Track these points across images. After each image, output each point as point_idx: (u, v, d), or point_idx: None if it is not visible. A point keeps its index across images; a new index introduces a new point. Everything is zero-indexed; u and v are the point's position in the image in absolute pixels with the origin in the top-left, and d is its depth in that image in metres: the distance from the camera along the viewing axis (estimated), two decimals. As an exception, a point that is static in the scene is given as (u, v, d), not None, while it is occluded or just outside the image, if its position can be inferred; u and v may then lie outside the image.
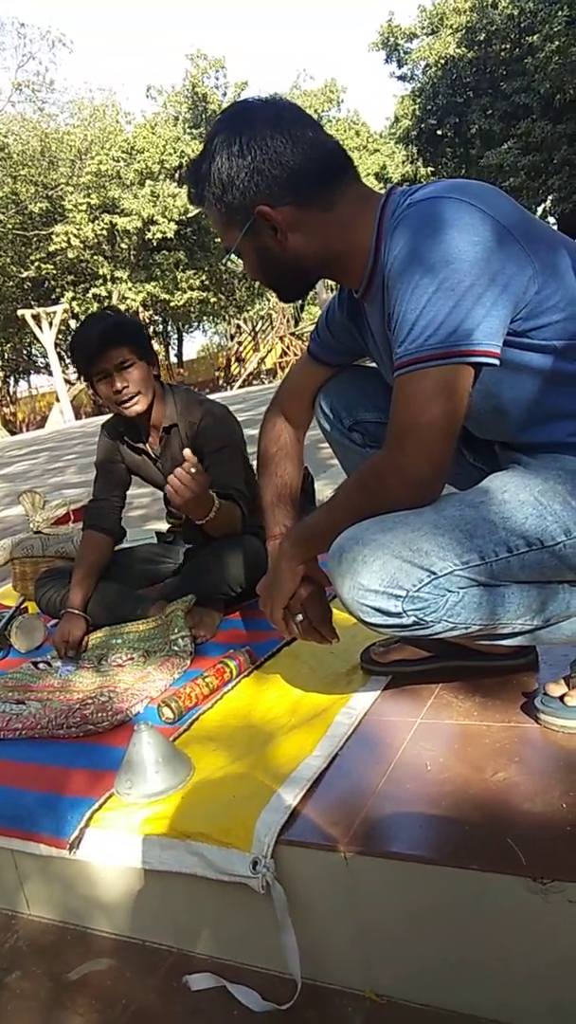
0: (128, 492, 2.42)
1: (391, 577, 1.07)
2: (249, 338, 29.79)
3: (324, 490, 3.42)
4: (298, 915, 1.11)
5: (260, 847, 1.12)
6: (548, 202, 22.63)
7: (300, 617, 1.39)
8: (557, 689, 1.25)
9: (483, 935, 0.99)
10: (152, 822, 1.25)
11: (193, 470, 1.81)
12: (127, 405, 2.08)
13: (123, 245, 25.06)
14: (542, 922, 0.93)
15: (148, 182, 24.14)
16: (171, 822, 1.24)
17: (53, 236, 23.85)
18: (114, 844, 1.27)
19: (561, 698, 1.24)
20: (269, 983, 1.14)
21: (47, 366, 26.98)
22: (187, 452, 1.83)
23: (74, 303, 25.15)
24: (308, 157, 1.16)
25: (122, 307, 23.14)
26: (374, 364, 1.43)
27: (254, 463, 1.74)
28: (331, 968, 1.12)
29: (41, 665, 2.09)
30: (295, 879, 1.12)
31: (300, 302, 32.38)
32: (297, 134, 1.15)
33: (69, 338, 28.16)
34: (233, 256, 1.25)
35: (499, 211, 1.06)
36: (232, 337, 32.62)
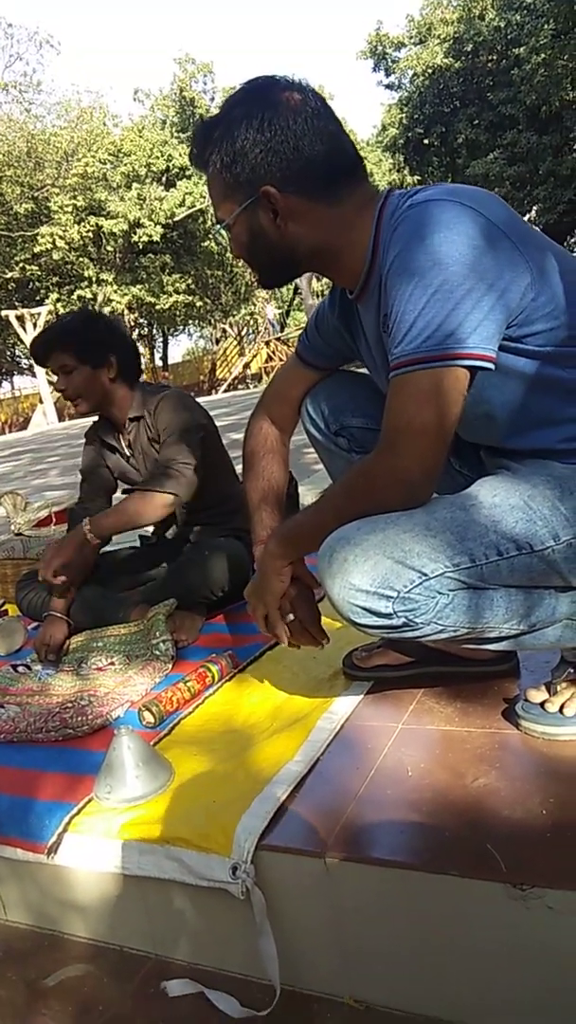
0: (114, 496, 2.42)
1: (382, 577, 1.07)
2: (234, 343, 29.77)
3: (308, 495, 3.41)
4: (277, 920, 1.10)
5: (240, 852, 1.12)
6: (533, 213, 22.83)
7: (291, 617, 1.38)
8: (538, 695, 1.25)
9: (463, 941, 0.99)
10: (131, 827, 1.24)
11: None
12: (72, 404, 2.18)
13: (109, 248, 25.01)
14: (522, 928, 0.94)
15: (135, 185, 24.12)
16: (150, 827, 1.23)
17: (38, 237, 23.76)
18: (92, 849, 1.26)
19: (542, 704, 1.24)
20: (248, 989, 1.13)
21: (31, 367, 26.86)
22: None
23: (59, 304, 25.03)
24: (326, 151, 1.15)
25: (107, 310, 23.06)
26: (363, 369, 1.43)
27: (238, 467, 1.74)
28: (310, 974, 1.12)
29: (20, 668, 2.07)
30: (275, 884, 1.11)
31: (286, 308, 32.45)
32: (320, 125, 1.14)
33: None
34: (222, 230, 1.23)
35: (496, 215, 1.06)
36: (217, 341, 32.60)
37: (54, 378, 2.17)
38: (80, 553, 2.05)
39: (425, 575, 1.07)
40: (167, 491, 2.05)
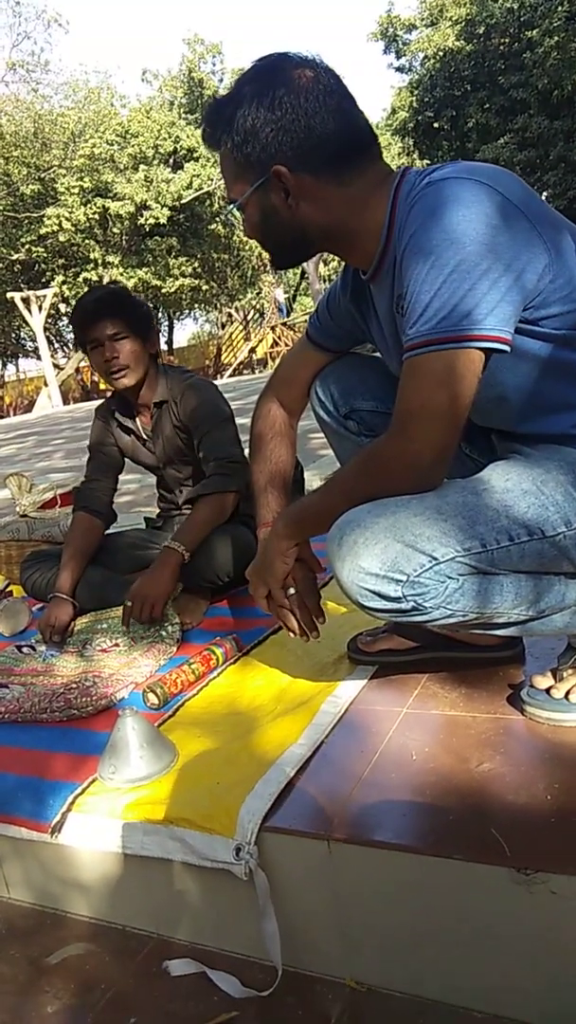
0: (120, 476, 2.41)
1: (392, 561, 1.06)
2: (240, 327, 29.63)
3: (314, 480, 3.41)
4: (280, 902, 1.10)
5: (243, 833, 1.12)
6: (543, 198, 22.62)
7: (291, 591, 1.37)
8: (543, 681, 1.25)
9: (466, 925, 0.99)
10: (135, 807, 1.25)
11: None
12: (116, 376, 2.10)
13: (115, 230, 24.83)
14: (524, 912, 0.94)
15: (142, 167, 23.92)
16: (154, 807, 1.23)
17: (44, 219, 23.60)
18: (96, 829, 1.26)
19: (547, 690, 1.24)
20: (249, 969, 1.14)
21: (36, 350, 26.71)
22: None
23: (64, 287, 24.90)
24: (338, 129, 1.12)
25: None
26: (374, 352, 1.42)
27: (247, 450, 1.73)
28: (312, 955, 1.12)
29: (25, 649, 2.07)
30: (278, 866, 1.11)
31: (292, 293, 32.26)
32: (332, 103, 1.12)
33: (59, 322, 28.04)
34: (235, 211, 1.21)
35: (514, 194, 1.04)
36: (223, 326, 32.43)
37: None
38: (176, 576, 2.01)
39: (435, 559, 1.06)
40: (230, 490, 2.07)
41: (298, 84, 1.11)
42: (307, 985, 1.10)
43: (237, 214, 1.22)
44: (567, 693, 1.21)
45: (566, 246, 1.08)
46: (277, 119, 1.11)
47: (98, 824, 1.26)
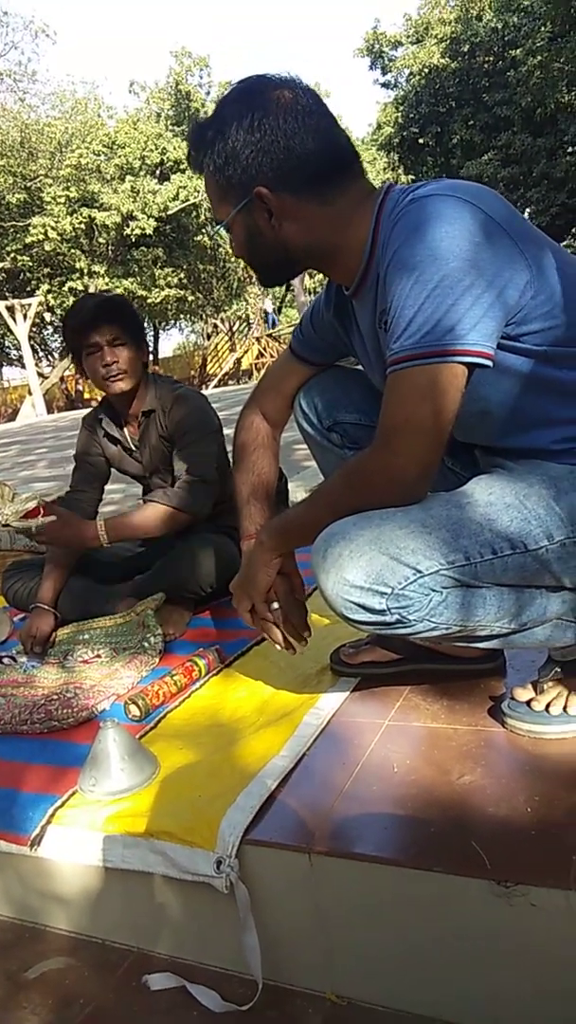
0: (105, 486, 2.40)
1: (377, 574, 1.06)
2: (225, 338, 29.67)
3: (298, 491, 3.41)
4: (261, 915, 1.10)
5: (224, 847, 1.11)
6: (526, 215, 22.90)
7: (275, 605, 1.37)
8: (524, 694, 1.26)
9: (446, 938, 0.99)
10: (116, 820, 1.24)
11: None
12: (112, 380, 2.08)
13: (101, 240, 24.83)
14: (505, 925, 0.94)
15: (128, 177, 23.96)
16: (135, 820, 1.22)
17: (30, 228, 23.56)
18: (76, 841, 1.25)
19: (528, 703, 1.24)
20: (229, 983, 1.13)
21: (20, 358, 26.58)
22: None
23: (50, 296, 24.84)
24: (318, 149, 1.13)
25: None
26: (357, 365, 1.43)
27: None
28: (292, 969, 1.12)
29: (6, 660, 2.06)
30: (259, 879, 1.11)
31: (278, 305, 32.41)
32: (312, 123, 1.13)
33: (43, 331, 27.94)
34: (222, 231, 1.23)
35: (496, 211, 1.05)
36: (208, 336, 32.47)
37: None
38: (79, 545, 2.04)
39: (420, 572, 1.07)
40: (186, 511, 2.03)
41: (277, 105, 1.13)
42: (287, 999, 1.09)
43: (224, 234, 1.24)
44: (547, 705, 1.22)
45: (547, 263, 1.09)
46: (256, 141, 1.12)
47: (78, 837, 1.25)
